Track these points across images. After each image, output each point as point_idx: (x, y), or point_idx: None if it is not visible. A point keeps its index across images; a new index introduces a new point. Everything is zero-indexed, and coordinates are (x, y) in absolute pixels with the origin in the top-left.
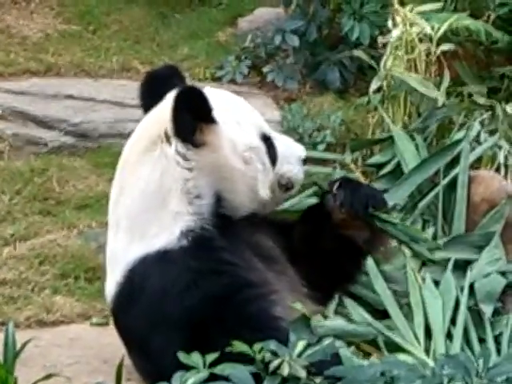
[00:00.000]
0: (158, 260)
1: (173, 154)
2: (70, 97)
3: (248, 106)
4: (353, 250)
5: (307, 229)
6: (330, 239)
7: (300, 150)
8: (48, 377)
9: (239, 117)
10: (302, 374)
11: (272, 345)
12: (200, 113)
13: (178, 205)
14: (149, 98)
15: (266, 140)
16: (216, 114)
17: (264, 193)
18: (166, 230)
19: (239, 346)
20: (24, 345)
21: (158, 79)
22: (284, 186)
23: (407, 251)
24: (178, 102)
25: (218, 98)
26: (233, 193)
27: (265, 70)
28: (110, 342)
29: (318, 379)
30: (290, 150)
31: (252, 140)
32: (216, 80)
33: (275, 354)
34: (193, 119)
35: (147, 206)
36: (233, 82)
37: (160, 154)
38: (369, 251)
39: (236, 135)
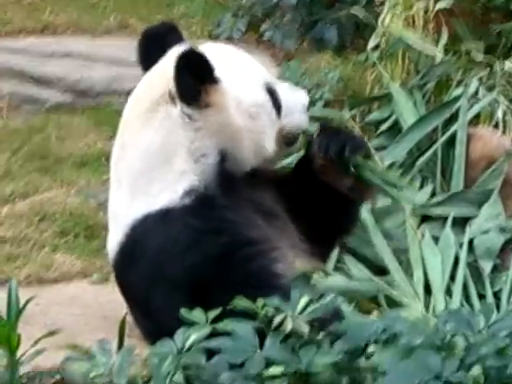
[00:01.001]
0: (160, 218)
1: (178, 115)
2: (68, 55)
3: (249, 57)
4: (340, 198)
5: (296, 180)
6: (315, 188)
7: (303, 97)
8: (51, 334)
9: (242, 72)
10: (305, 329)
11: (275, 301)
12: (203, 75)
13: (182, 164)
14: (147, 57)
15: (270, 91)
16: (219, 72)
17: (270, 146)
18: (169, 188)
19: (242, 303)
20: (27, 302)
21: (155, 37)
22: (286, 140)
23: (406, 207)
24: (179, 66)
25: (219, 54)
26: (238, 150)
27: (262, 28)
28: (110, 300)
29: (320, 335)
30: (294, 99)
31: (257, 95)
32: (213, 38)
33: (278, 310)
34: (196, 82)
35: (151, 165)
36: (230, 39)
37: (164, 115)
38: (356, 199)
39: (241, 92)
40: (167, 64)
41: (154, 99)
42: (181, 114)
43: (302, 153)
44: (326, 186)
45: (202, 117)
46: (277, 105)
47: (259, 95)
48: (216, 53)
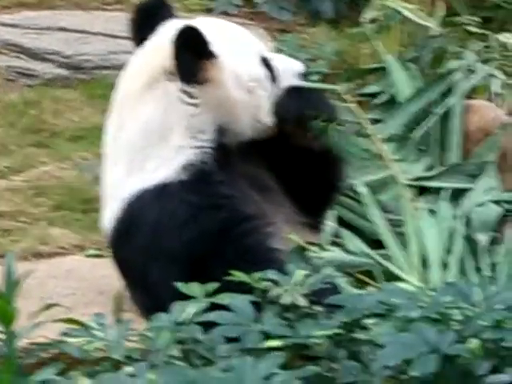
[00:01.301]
0: (157, 193)
1: (176, 92)
2: (63, 29)
3: (244, 30)
4: (316, 158)
5: (273, 144)
6: (290, 150)
7: (298, 66)
8: (47, 308)
9: (239, 46)
10: (302, 302)
11: (272, 274)
12: (201, 51)
13: (180, 139)
14: (140, 32)
15: (266, 63)
16: (215, 46)
17: (267, 120)
18: (166, 163)
19: (238, 276)
20: (24, 276)
21: (147, 12)
22: None
23: (402, 181)
24: (178, 44)
25: (215, 28)
26: (236, 123)
27: (257, 0)
28: (105, 274)
29: (318, 308)
30: (289, 68)
31: (254, 70)
32: (208, 11)
33: (275, 284)
34: (195, 59)
35: (148, 141)
36: (225, 13)
37: (162, 91)
38: (332, 157)
39: (238, 67)
40: (162, 39)
41: (150, 75)
42: (179, 91)
43: None
44: (301, 147)
45: (201, 93)
46: (272, 76)
47: (256, 69)
48: (211, 27)
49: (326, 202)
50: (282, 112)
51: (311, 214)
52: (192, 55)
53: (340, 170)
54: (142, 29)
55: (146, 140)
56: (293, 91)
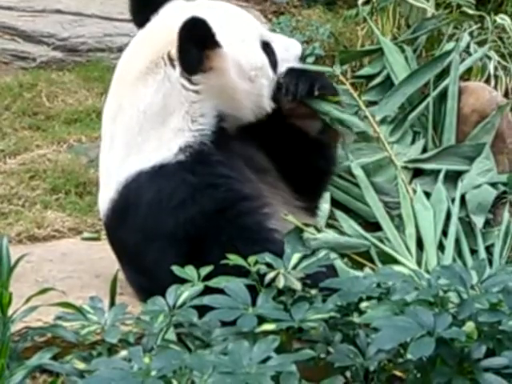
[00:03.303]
0: (154, 174)
1: (177, 78)
2: (58, 11)
3: (244, 13)
4: (311, 141)
5: (268, 126)
6: (286, 133)
7: (296, 48)
8: (43, 291)
9: (240, 32)
10: (298, 286)
11: (267, 257)
12: (205, 42)
13: (179, 123)
14: (140, 13)
15: (266, 47)
16: (219, 36)
17: (268, 104)
18: (164, 146)
19: (234, 259)
20: (18, 260)
21: None
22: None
23: (397, 163)
24: (183, 36)
25: (217, 14)
26: (237, 110)
27: None
28: (101, 257)
29: (313, 291)
30: (288, 51)
31: (256, 58)
32: None
33: (270, 267)
34: (199, 51)
35: (148, 125)
36: None
37: (163, 76)
38: (327, 141)
39: (241, 56)
40: (165, 23)
41: (152, 60)
42: (180, 77)
43: None
44: (296, 130)
45: (203, 80)
46: (273, 61)
47: (258, 58)
48: (214, 13)
49: (320, 184)
50: (284, 91)
51: (306, 196)
52: (196, 48)
53: (334, 152)
54: (143, 10)
55: (145, 122)
56: (293, 71)
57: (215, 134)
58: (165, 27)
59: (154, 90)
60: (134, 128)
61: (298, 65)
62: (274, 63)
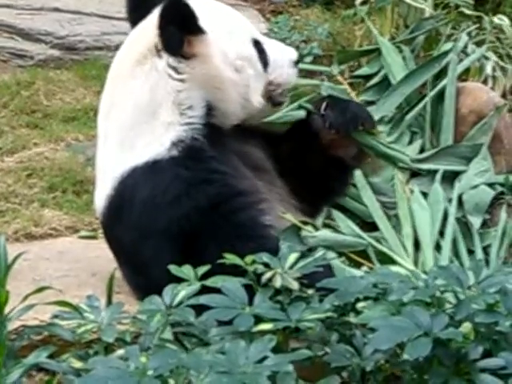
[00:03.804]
0: (148, 170)
1: (164, 67)
2: (56, 10)
3: (236, 12)
4: (340, 167)
5: (294, 147)
6: (317, 159)
7: (291, 53)
8: (40, 290)
9: (228, 25)
10: (295, 285)
11: (264, 257)
12: (187, 24)
13: (169, 116)
14: (136, 13)
15: (257, 45)
16: (204, 23)
17: (256, 100)
18: (156, 140)
19: (231, 258)
20: (15, 258)
21: None
22: (276, 94)
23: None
24: (164, 15)
25: (206, 7)
26: (225, 102)
27: None
28: (98, 255)
29: (310, 291)
30: (281, 54)
31: (243, 48)
32: None
33: (267, 266)
34: (180, 32)
35: (138, 118)
36: None
37: (151, 67)
38: (356, 167)
39: (226, 44)
40: (153, 18)
41: (140, 53)
42: (167, 66)
43: (297, 114)
44: (329, 157)
45: (188, 68)
46: (264, 59)
47: (245, 48)
48: (203, 6)
49: (328, 201)
50: (327, 124)
51: (308, 204)
52: (177, 26)
53: (351, 177)
54: (138, 10)
55: (136, 117)
56: (334, 103)
57: (207, 128)
58: (152, 21)
59: (142, 82)
60: (126, 123)
61: (293, 69)
62: (264, 61)
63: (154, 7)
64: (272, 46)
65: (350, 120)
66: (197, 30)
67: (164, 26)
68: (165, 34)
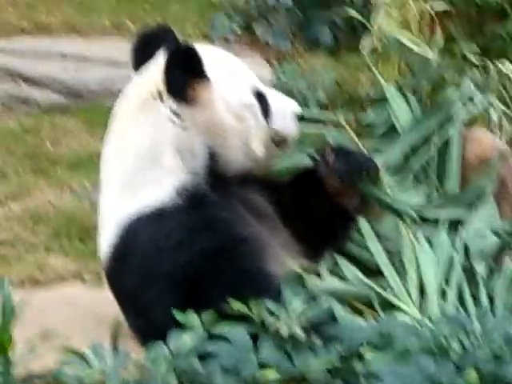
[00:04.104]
0: (151, 218)
1: (166, 113)
2: (62, 55)
3: (240, 62)
4: (344, 216)
5: (298, 194)
6: (322, 207)
7: (293, 106)
8: (44, 336)
9: (231, 73)
10: (300, 333)
11: (269, 304)
12: (192, 69)
13: (171, 162)
14: (141, 59)
15: (259, 96)
16: (208, 70)
17: (258, 149)
18: (159, 187)
19: (236, 305)
20: (21, 304)
21: (149, 40)
22: (278, 142)
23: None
24: (170, 58)
25: (210, 54)
26: (226, 149)
27: (257, 28)
28: (103, 302)
29: (315, 338)
30: (284, 106)
31: (245, 96)
32: (207, 39)
33: (272, 313)
34: (184, 75)
35: (140, 165)
36: (225, 40)
37: (153, 113)
38: (359, 215)
39: (229, 92)
40: (158, 64)
41: (144, 97)
42: (169, 111)
43: (303, 162)
44: (333, 205)
45: (190, 114)
46: (265, 109)
47: (246, 97)
48: (207, 53)
49: (330, 246)
50: (334, 174)
51: (311, 249)
52: (182, 71)
53: (353, 225)
54: (143, 56)
55: (139, 163)
56: (341, 153)
57: (210, 175)
58: (156, 67)
59: (144, 128)
60: (128, 169)
61: (294, 122)
62: (266, 112)
63: (157, 52)
64: (274, 97)
65: (356, 170)
66: (202, 76)
67: (170, 69)
68: (170, 78)
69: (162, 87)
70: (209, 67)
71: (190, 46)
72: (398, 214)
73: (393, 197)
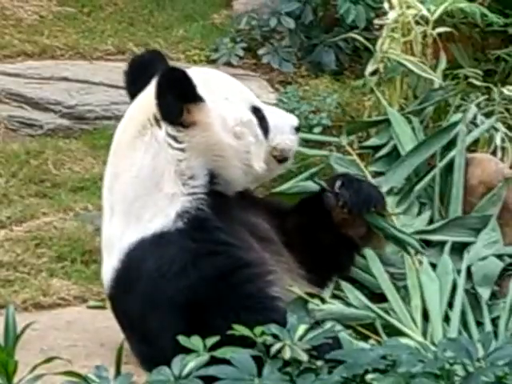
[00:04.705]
0: (154, 243)
1: (163, 137)
2: (65, 79)
3: (234, 80)
4: (349, 245)
5: (303, 221)
6: (327, 236)
7: (292, 120)
8: (48, 360)
9: (227, 92)
10: (304, 357)
11: (273, 328)
12: (184, 93)
13: (172, 187)
14: (134, 85)
15: (257, 112)
16: (202, 91)
17: (258, 166)
18: (161, 212)
19: (240, 330)
20: (24, 328)
21: (141, 65)
22: (278, 158)
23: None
24: (161, 84)
25: (203, 75)
26: (227, 169)
27: (260, 52)
28: (106, 326)
29: (319, 362)
30: (282, 120)
31: (242, 114)
32: (211, 62)
33: (276, 337)
34: (177, 101)
35: (141, 190)
36: (228, 64)
37: (151, 137)
38: (364, 246)
39: (225, 111)
40: (152, 90)
41: (141, 123)
42: (166, 136)
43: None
44: (339, 235)
45: (187, 137)
46: (264, 126)
47: (243, 114)
48: (201, 74)
49: (335, 274)
50: (341, 203)
51: (315, 275)
52: (174, 94)
53: (357, 254)
54: (136, 82)
55: (139, 189)
56: (349, 183)
57: (211, 197)
58: (150, 92)
59: (142, 153)
60: (129, 195)
61: (294, 136)
62: (265, 128)
63: (152, 79)
64: (272, 113)
65: (364, 201)
66: (195, 98)
67: (161, 95)
68: (162, 103)
69: (157, 112)
70: (202, 88)
71: (178, 69)
72: (404, 247)
73: (397, 226)
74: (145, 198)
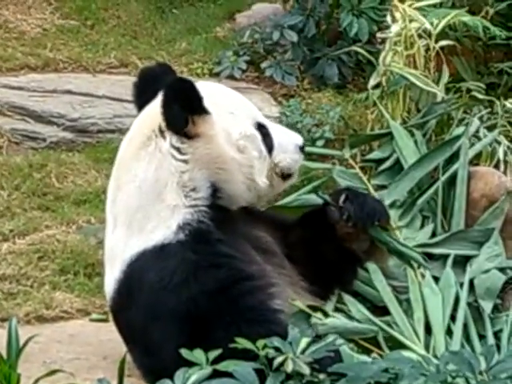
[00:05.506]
0: (156, 255)
1: (167, 148)
2: (69, 92)
3: (241, 96)
4: (352, 259)
5: (307, 234)
6: (330, 249)
7: (297, 139)
8: (51, 373)
9: (232, 107)
10: (306, 370)
11: (275, 341)
12: (190, 104)
13: (174, 198)
14: (142, 97)
15: (262, 128)
16: (208, 104)
17: (261, 181)
18: (163, 224)
19: (242, 343)
20: (27, 341)
21: (149, 77)
22: (282, 175)
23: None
24: (167, 94)
25: (210, 89)
26: (229, 183)
27: (263, 65)
28: (109, 338)
29: (321, 376)
30: (287, 139)
31: (246, 128)
32: (214, 75)
33: (278, 351)
34: (183, 111)
35: (144, 201)
36: (231, 77)
37: (155, 148)
38: (367, 260)
39: (229, 124)
40: (158, 102)
41: (146, 134)
42: (170, 147)
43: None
44: (342, 249)
45: (191, 148)
46: (268, 143)
47: (248, 129)
48: (208, 88)
49: (334, 287)
50: (345, 217)
51: (317, 287)
52: (180, 106)
53: (360, 268)
54: (143, 94)
55: (142, 199)
56: (353, 197)
57: (214, 210)
58: (157, 104)
59: (146, 163)
60: (132, 205)
61: (298, 155)
62: (269, 145)
63: (159, 92)
64: (277, 131)
65: (368, 215)
66: (201, 110)
67: (168, 103)
68: (168, 112)
69: (162, 123)
70: (209, 101)
71: (186, 80)
72: (407, 261)
73: (400, 240)
74: (147, 209)
